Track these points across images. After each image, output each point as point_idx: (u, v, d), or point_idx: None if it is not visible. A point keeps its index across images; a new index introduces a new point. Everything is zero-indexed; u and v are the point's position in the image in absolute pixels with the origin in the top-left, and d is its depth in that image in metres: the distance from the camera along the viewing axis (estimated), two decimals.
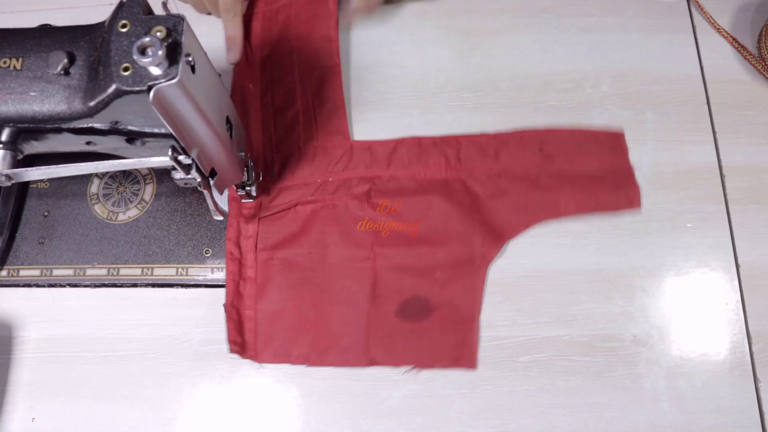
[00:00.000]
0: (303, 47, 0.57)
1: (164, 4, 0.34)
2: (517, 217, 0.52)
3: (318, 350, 0.49)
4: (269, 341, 0.49)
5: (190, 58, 0.33)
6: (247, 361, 0.49)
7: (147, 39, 0.31)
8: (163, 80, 0.31)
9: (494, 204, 0.52)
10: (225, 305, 0.49)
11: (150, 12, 0.34)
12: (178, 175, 0.41)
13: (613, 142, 0.54)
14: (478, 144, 0.54)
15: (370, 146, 0.54)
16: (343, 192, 0.52)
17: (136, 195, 0.55)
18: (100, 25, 0.35)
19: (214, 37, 0.60)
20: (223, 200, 0.53)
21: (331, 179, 0.53)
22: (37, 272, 0.52)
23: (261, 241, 0.51)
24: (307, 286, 0.50)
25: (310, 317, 0.49)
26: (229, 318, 0.49)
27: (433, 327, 0.49)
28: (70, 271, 0.52)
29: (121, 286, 0.52)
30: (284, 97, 0.56)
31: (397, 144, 0.54)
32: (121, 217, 0.54)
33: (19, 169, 0.38)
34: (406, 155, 0.54)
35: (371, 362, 0.48)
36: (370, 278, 0.50)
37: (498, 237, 0.51)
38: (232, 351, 0.48)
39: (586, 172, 0.53)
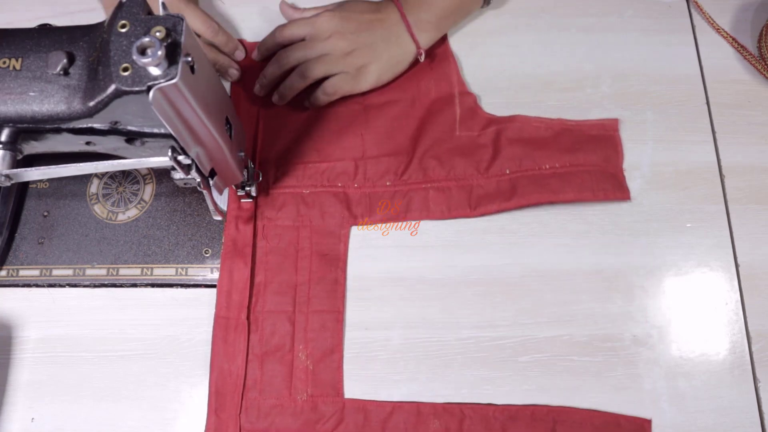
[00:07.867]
0: (306, 282, 0.52)
1: (164, 4, 0.34)
2: None
3: None
4: None
5: (190, 59, 0.33)
6: None
7: (146, 39, 0.31)
8: (162, 80, 0.31)
9: None
10: None
11: (149, 12, 0.34)
12: (178, 175, 0.41)
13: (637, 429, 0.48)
14: (484, 416, 0.48)
15: (364, 407, 0.48)
16: None
17: (136, 195, 0.55)
18: (100, 25, 0.35)
19: None
20: (222, 200, 0.53)
21: None
22: (36, 272, 0.52)
23: None
24: None
25: None
26: None
27: None
28: (70, 271, 0.52)
29: (121, 286, 0.52)
30: (280, 338, 0.50)
31: (394, 408, 0.48)
32: (121, 217, 0.54)
33: (19, 169, 0.38)
34: (402, 423, 0.48)
35: None
36: None
37: None
38: None
39: None
